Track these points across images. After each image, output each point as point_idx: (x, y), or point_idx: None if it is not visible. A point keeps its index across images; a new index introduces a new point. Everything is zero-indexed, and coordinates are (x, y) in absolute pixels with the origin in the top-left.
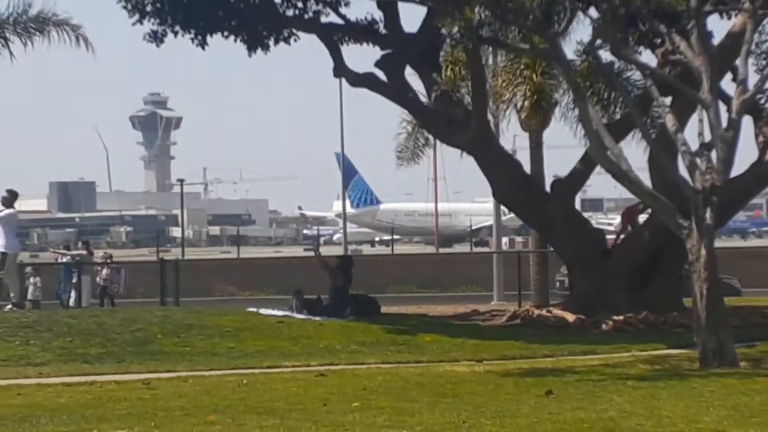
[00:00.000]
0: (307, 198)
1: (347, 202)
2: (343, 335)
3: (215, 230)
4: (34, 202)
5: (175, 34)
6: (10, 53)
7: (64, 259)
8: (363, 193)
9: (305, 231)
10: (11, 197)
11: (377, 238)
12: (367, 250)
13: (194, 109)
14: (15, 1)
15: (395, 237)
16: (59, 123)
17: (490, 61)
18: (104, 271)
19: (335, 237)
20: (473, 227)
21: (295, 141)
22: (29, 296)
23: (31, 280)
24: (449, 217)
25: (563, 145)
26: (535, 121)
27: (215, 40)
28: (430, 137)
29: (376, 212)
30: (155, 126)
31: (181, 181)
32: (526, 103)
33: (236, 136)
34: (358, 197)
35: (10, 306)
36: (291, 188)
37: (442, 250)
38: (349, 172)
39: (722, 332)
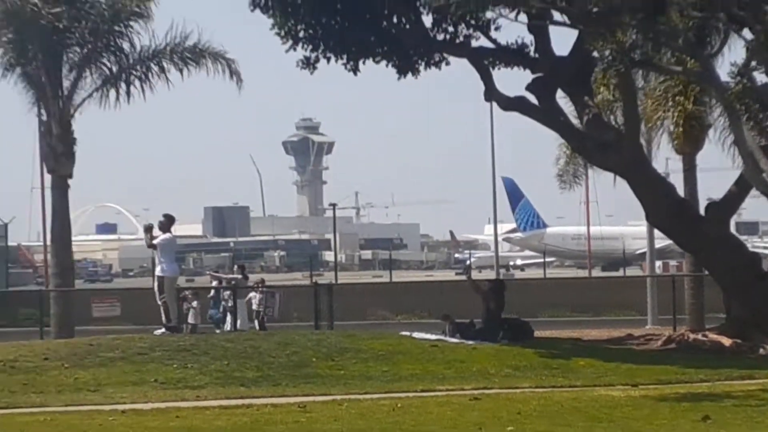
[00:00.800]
0: (458, 222)
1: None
2: (497, 359)
3: (367, 254)
4: (189, 227)
5: (328, 60)
6: (167, 81)
7: (214, 283)
8: (530, 216)
9: (456, 255)
10: (168, 222)
11: (511, 263)
12: (518, 273)
13: (346, 134)
14: (173, 32)
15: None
16: (214, 149)
17: (641, 83)
18: (258, 296)
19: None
20: (639, 251)
21: (447, 164)
22: (189, 320)
23: (194, 303)
24: (616, 240)
25: (717, 168)
26: (688, 144)
27: (366, 64)
28: None
29: (543, 235)
30: (307, 151)
31: (334, 205)
32: (679, 126)
33: (388, 160)
34: (525, 220)
35: (162, 330)
36: (442, 212)
37: (600, 274)
38: (515, 195)
39: None
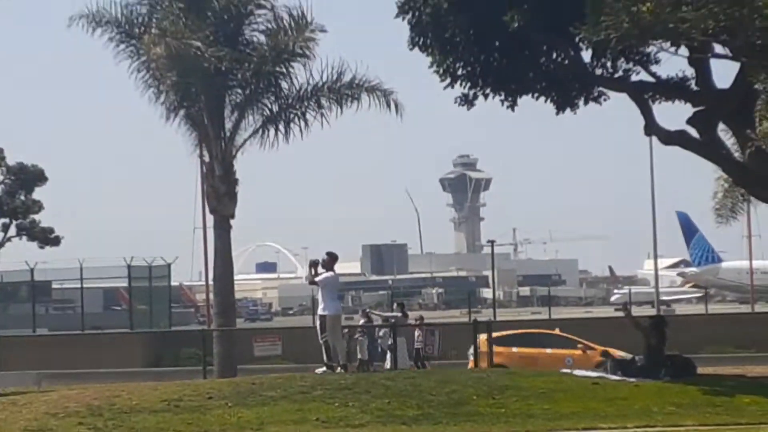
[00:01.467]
0: (616, 257)
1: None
2: (659, 396)
3: (525, 291)
4: (348, 265)
5: (486, 96)
6: (323, 118)
7: (377, 321)
8: (705, 251)
9: (615, 291)
10: (331, 260)
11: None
12: (679, 309)
13: (503, 170)
14: (330, 69)
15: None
16: (372, 187)
17: None
18: (417, 333)
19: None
20: None
21: (604, 200)
22: (358, 356)
23: (359, 338)
24: None
25: None
26: None
27: (523, 100)
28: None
29: (718, 270)
30: (465, 188)
31: (492, 242)
32: None
33: (545, 196)
34: (700, 255)
35: (323, 369)
36: (600, 248)
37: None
38: (690, 230)
39: None
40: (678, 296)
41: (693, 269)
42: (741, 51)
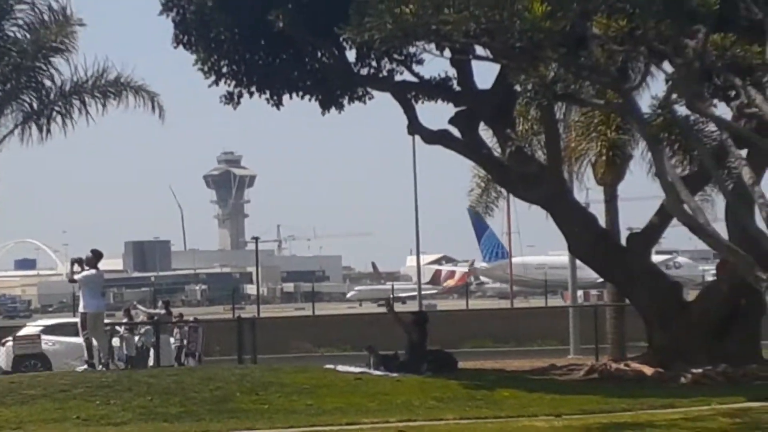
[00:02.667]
0: (380, 254)
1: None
2: (421, 391)
3: (289, 287)
4: (110, 262)
5: (251, 94)
6: (88, 115)
7: (140, 318)
8: (494, 247)
9: (379, 287)
10: (95, 258)
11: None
12: (441, 304)
13: (268, 167)
14: (94, 67)
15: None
16: (136, 184)
17: (563, 114)
18: (178, 330)
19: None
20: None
21: (368, 197)
22: (124, 352)
23: (124, 335)
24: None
25: (638, 197)
26: (610, 175)
27: (290, 98)
28: (503, 191)
29: (507, 265)
30: (229, 184)
31: (256, 238)
32: (601, 157)
33: (310, 193)
34: (490, 251)
35: (85, 366)
36: (364, 244)
37: (519, 304)
38: (481, 227)
39: None
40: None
41: (484, 264)
42: (501, 53)
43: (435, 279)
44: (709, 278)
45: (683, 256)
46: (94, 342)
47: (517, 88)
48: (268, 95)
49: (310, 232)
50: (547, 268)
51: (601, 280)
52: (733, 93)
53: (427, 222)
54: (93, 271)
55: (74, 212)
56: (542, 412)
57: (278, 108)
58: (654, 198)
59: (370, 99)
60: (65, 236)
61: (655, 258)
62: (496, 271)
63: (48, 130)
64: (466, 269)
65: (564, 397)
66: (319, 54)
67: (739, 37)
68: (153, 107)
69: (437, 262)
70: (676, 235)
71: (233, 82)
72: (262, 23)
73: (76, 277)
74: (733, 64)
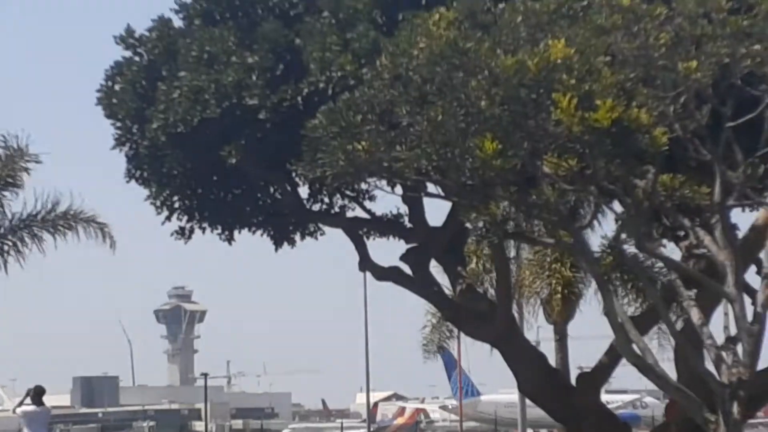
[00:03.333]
0: (330, 391)
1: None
2: None
3: (238, 424)
4: (57, 398)
5: (203, 230)
6: (39, 248)
7: None
8: (465, 384)
9: (329, 424)
10: (37, 394)
11: None
12: None
13: (219, 302)
14: (43, 198)
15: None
16: (84, 317)
17: (515, 252)
18: None
19: None
20: None
21: (319, 333)
22: None
23: None
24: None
25: (588, 336)
26: (562, 314)
27: (242, 233)
28: (455, 329)
29: (478, 404)
30: (179, 319)
31: (205, 375)
32: (556, 295)
33: (261, 329)
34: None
35: None
36: (314, 381)
37: None
38: (451, 364)
39: None
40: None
41: (453, 402)
42: (453, 190)
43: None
44: None
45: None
46: None
47: (468, 225)
48: (220, 230)
49: (260, 368)
50: (515, 406)
51: None
52: (681, 233)
53: (378, 359)
54: (33, 407)
55: (22, 346)
56: None
57: (230, 243)
58: (604, 337)
59: (322, 235)
60: (12, 371)
61: (617, 397)
62: (466, 409)
63: (4, 264)
64: (416, 407)
65: None
66: (272, 190)
67: (687, 177)
68: (104, 238)
69: (388, 399)
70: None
71: (185, 217)
72: (215, 158)
73: (17, 410)
74: (682, 204)
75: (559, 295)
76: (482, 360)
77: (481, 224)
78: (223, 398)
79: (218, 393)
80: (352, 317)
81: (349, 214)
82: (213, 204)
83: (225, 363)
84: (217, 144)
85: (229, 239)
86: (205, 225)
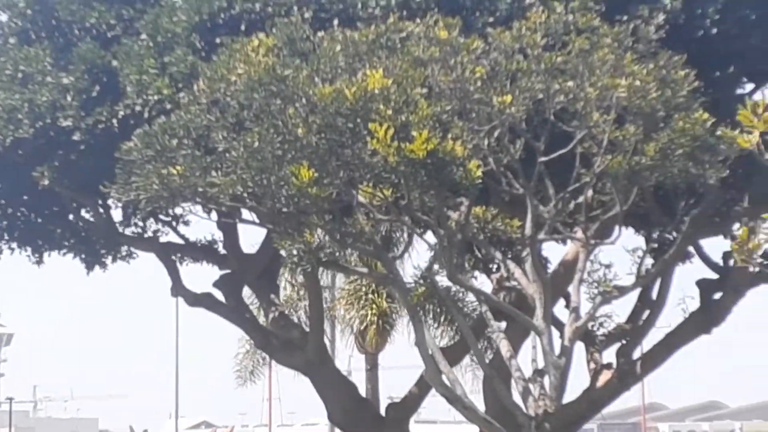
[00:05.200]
0: (138, 417)
1: None
2: None
3: None
4: None
5: (12, 251)
6: None
7: None
8: None
9: None
10: None
11: None
12: None
13: (27, 325)
14: None
15: None
16: None
17: (329, 280)
18: None
19: None
20: None
21: (129, 357)
22: None
23: None
24: None
25: (399, 366)
26: (374, 344)
27: (52, 256)
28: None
29: None
30: None
31: (10, 399)
32: (371, 325)
33: (69, 352)
34: None
35: None
36: (123, 407)
37: None
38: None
39: None
40: None
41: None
42: (268, 217)
43: None
44: None
45: (442, 426)
46: None
47: (283, 253)
48: (29, 251)
49: (68, 393)
50: None
51: None
52: (493, 266)
53: (190, 386)
54: None
55: None
56: None
57: (39, 265)
58: (415, 367)
59: (134, 258)
60: None
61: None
62: None
63: None
64: None
65: None
66: (84, 212)
67: (500, 210)
68: None
69: (197, 427)
70: (435, 404)
71: None
72: (27, 179)
73: None
74: (494, 237)
75: (374, 326)
76: (295, 388)
77: (295, 252)
78: (29, 423)
79: (23, 418)
80: (164, 342)
81: (163, 238)
82: (23, 225)
83: (32, 387)
84: (30, 164)
85: (39, 261)
86: (14, 246)
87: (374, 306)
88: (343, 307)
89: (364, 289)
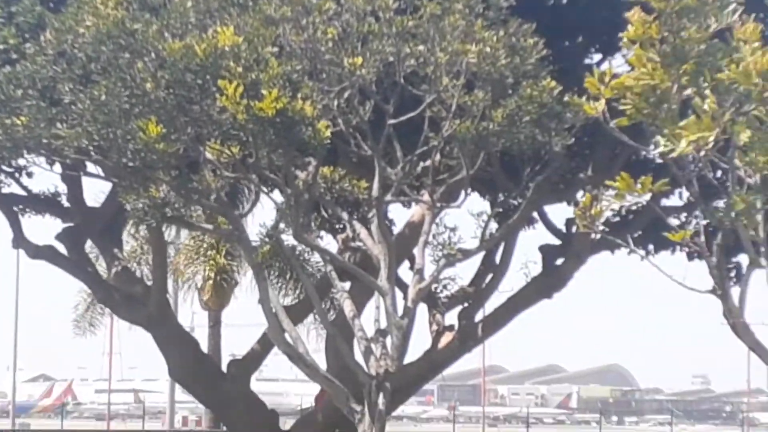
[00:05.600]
0: None
1: None
2: None
3: None
4: None
5: None
6: None
7: None
8: None
9: None
10: None
11: None
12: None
13: None
14: None
15: None
16: None
17: (173, 236)
18: None
19: None
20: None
21: None
22: None
23: None
24: (281, 396)
25: (244, 324)
26: (216, 300)
27: None
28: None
29: None
30: None
31: None
32: (208, 282)
33: None
34: None
35: None
36: None
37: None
38: None
39: None
40: None
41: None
42: (113, 171)
43: None
44: None
45: (285, 384)
46: None
47: (128, 207)
48: None
49: None
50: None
51: None
52: (339, 226)
53: (29, 339)
54: None
55: None
56: None
57: None
58: (259, 325)
59: None
60: None
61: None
62: None
63: None
64: (64, 387)
65: None
66: None
67: (348, 171)
68: None
69: (35, 380)
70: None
71: None
72: None
73: None
74: (341, 197)
75: (211, 282)
76: (135, 343)
77: (140, 207)
78: None
79: None
80: (2, 295)
81: (5, 189)
82: None
83: None
84: None
85: None
86: None
87: (213, 262)
88: (182, 263)
89: (205, 245)
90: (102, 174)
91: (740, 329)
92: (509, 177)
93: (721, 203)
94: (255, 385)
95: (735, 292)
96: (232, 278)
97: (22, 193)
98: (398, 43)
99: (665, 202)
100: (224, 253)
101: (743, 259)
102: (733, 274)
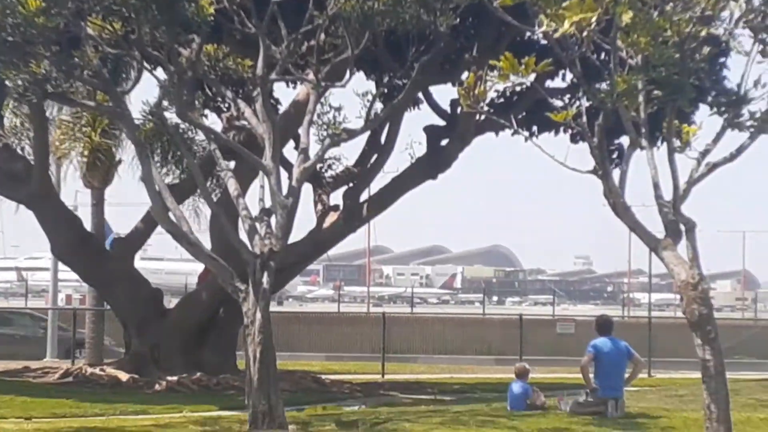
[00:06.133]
0: None
1: None
2: None
3: None
4: None
5: None
6: None
7: None
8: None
9: None
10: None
11: None
12: None
13: None
14: None
15: None
16: None
17: (55, 113)
18: None
19: None
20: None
21: None
22: None
23: None
24: (166, 274)
25: (128, 203)
26: (96, 179)
27: None
28: None
29: None
30: None
31: None
32: (85, 159)
33: None
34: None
35: None
36: None
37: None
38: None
39: (273, 395)
40: None
41: None
42: None
43: None
44: None
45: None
46: None
47: (8, 83)
48: None
49: None
50: (163, 273)
51: None
52: (224, 105)
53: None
54: None
55: None
56: (12, 414)
57: None
58: (143, 204)
59: None
60: None
61: (142, 264)
62: None
63: None
64: None
65: (36, 400)
66: None
67: (232, 49)
68: None
69: None
70: (161, 242)
71: None
72: None
73: None
74: (225, 75)
75: (85, 159)
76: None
77: (20, 83)
78: None
79: None
80: None
81: None
82: None
83: None
84: None
85: None
86: None
87: (88, 139)
88: (58, 139)
89: (83, 122)
90: None
91: (620, 209)
92: (394, 57)
93: (603, 85)
94: (139, 264)
95: (616, 174)
96: (111, 156)
97: None
98: None
99: (549, 83)
100: (100, 131)
101: (625, 140)
102: (615, 155)
